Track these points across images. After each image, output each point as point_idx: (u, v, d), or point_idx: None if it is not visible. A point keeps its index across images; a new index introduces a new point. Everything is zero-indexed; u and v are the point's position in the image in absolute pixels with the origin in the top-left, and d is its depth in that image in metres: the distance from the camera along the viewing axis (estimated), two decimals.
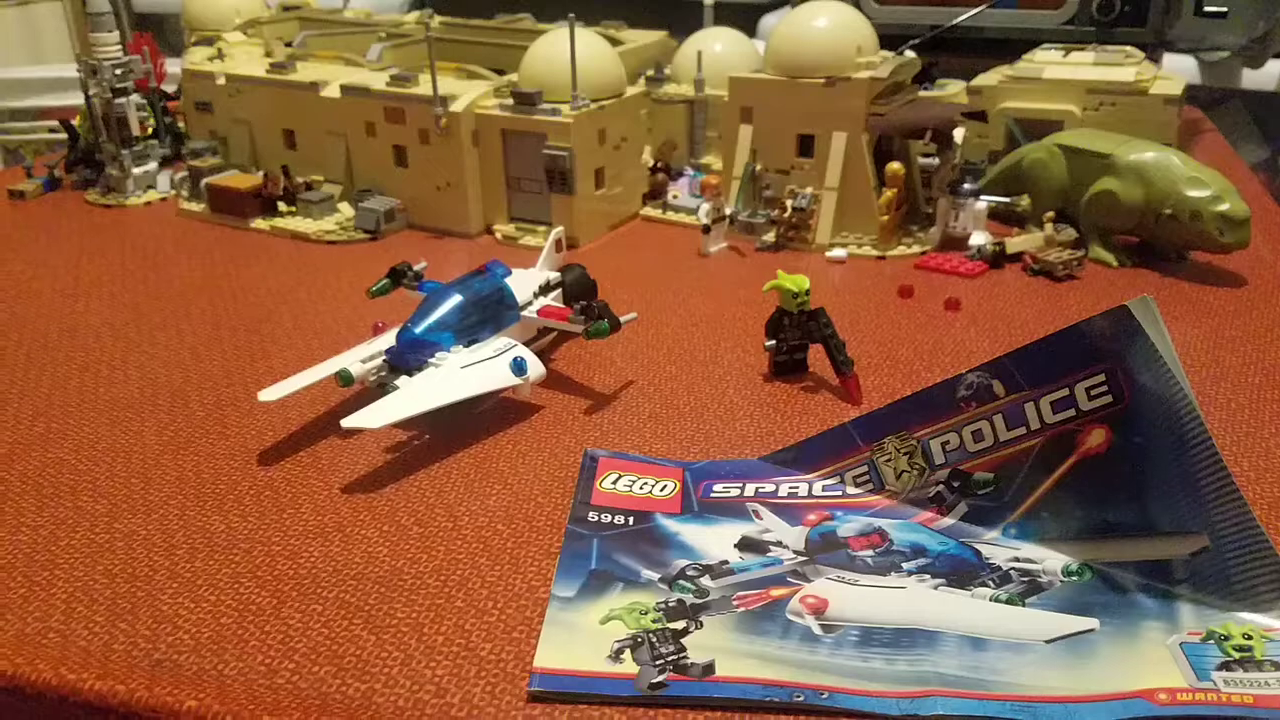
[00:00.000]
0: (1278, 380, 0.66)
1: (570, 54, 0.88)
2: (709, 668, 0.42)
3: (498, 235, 0.95)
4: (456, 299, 0.65)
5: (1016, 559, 0.49)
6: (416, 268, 0.72)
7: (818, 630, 0.44)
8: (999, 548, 0.50)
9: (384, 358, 0.63)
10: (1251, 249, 0.82)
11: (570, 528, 0.51)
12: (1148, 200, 0.82)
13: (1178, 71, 1.42)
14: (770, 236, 0.92)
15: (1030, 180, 0.92)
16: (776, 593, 0.47)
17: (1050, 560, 0.49)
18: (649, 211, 1.02)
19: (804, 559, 0.50)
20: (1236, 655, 0.42)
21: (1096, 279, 0.84)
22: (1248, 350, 0.71)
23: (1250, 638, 0.43)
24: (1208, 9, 1.13)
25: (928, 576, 0.48)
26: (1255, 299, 0.80)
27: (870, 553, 0.50)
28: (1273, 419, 0.62)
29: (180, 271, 0.89)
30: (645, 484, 0.55)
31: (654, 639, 0.43)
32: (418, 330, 0.63)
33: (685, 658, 0.42)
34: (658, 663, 0.42)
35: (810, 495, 0.55)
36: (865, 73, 0.88)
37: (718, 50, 1.06)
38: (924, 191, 0.96)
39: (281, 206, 0.99)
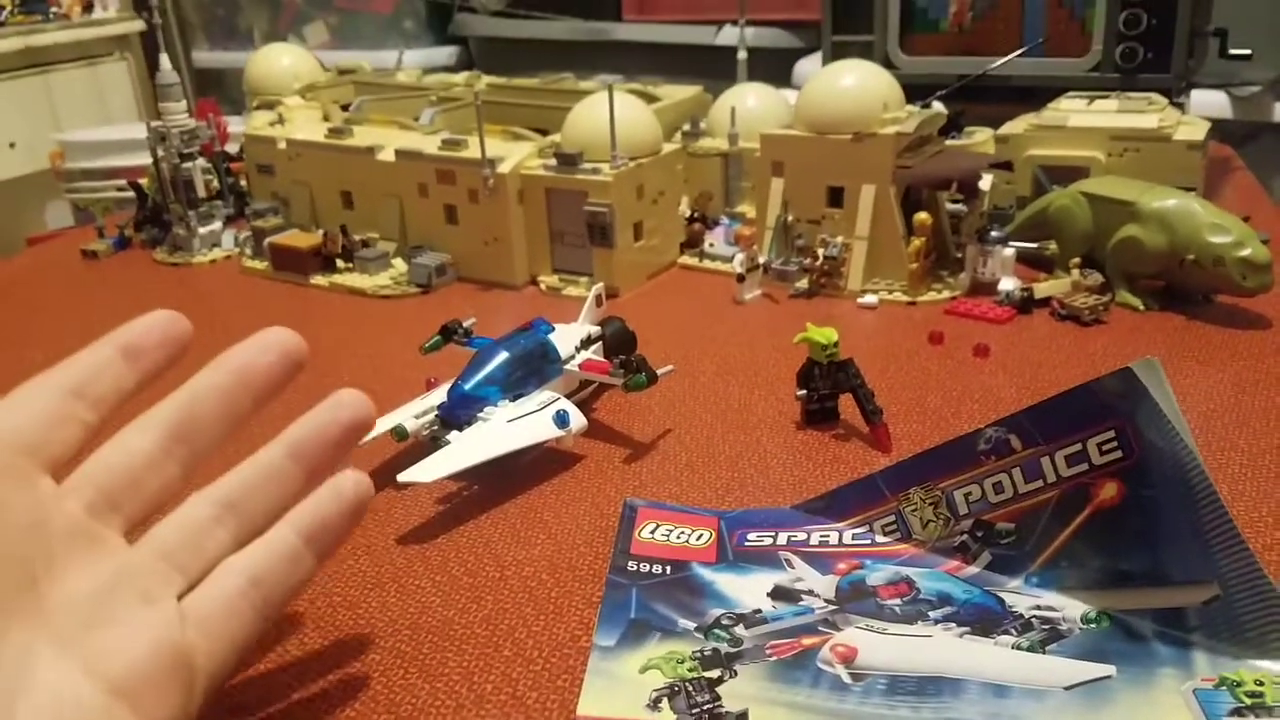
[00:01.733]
0: None
1: (609, 118, 0.92)
2: (742, 716, 0.44)
3: (542, 286, 0.99)
4: (503, 355, 0.69)
5: (1038, 607, 0.51)
6: (466, 324, 0.76)
7: (847, 679, 0.46)
8: (1022, 595, 0.52)
9: (436, 413, 0.67)
10: (1278, 289, 0.82)
11: (610, 577, 0.54)
12: (1171, 246, 0.84)
13: (1209, 106, 1.44)
14: (803, 283, 0.95)
15: (1056, 227, 0.94)
16: (808, 641, 0.49)
17: (1070, 608, 0.50)
18: (686, 260, 1.05)
19: (834, 607, 0.52)
20: (1249, 701, 0.43)
21: (1123, 322, 0.86)
22: (1271, 394, 0.72)
23: (1262, 684, 0.44)
24: (1232, 52, 1.15)
25: (954, 625, 0.50)
26: None
27: (898, 601, 0.52)
28: None
29: (244, 327, 0.91)
30: (682, 533, 0.58)
31: (690, 688, 0.46)
32: (467, 387, 0.67)
33: (720, 707, 0.44)
34: (694, 711, 0.44)
35: (841, 544, 0.57)
36: (891, 128, 0.91)
37: (750, 104, 1.10)
38: (953, 238, 0.98)
39: (339, 263, 1.04)
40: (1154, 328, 0.84)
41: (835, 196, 0.95)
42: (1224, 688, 0.44)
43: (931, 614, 0.51)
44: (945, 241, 0.98)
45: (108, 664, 0.37)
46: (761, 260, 0.96)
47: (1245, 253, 0.81)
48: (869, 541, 0.56)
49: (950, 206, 0.98)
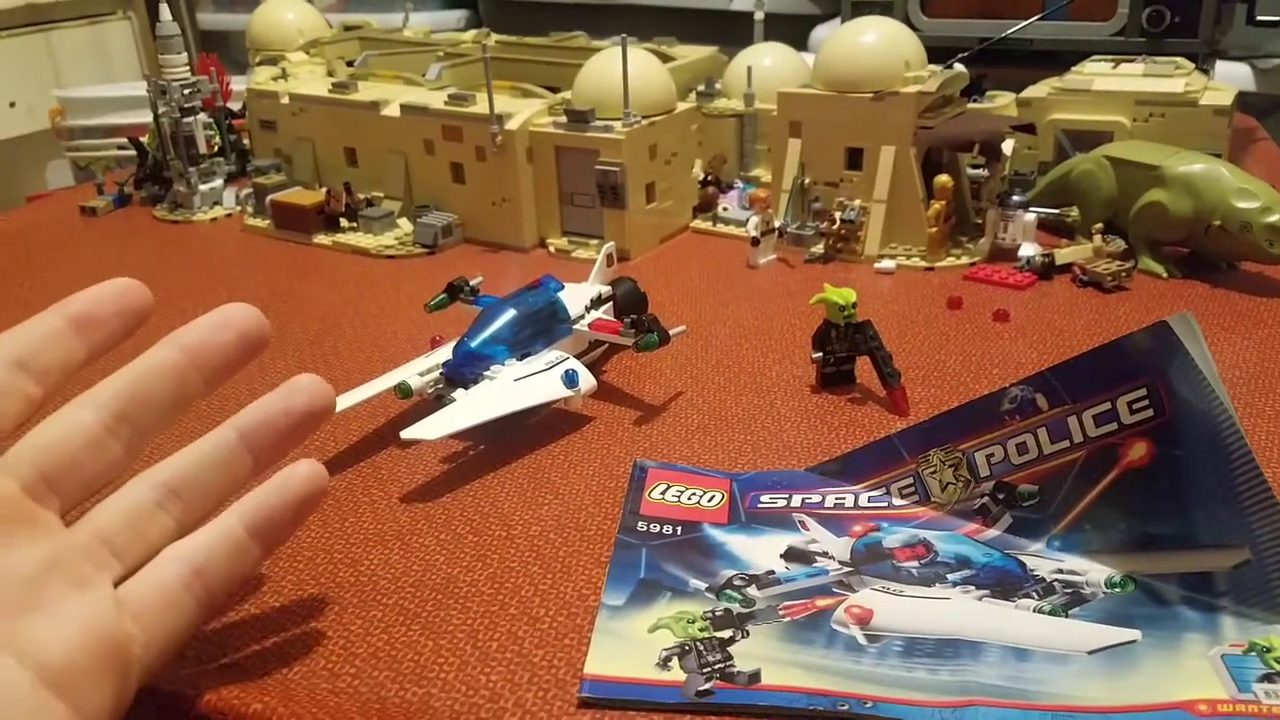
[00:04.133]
0: None
1: (622, 73, 0.90)
2: (755, 676, 0.43)
3: (551, 249, 0.97)
4: (511, 313, 0.67)
5: (1060, 570, 0.49)
6: (473, 282, 0.74)
7: (862, 640, 0.45)
8: (1043, 559, 0.50)
9: (441, 371, 0.65)
10: None
11: (620, 537, 0.53)
12: (1196, 212, 0.82)
13: (1232, 78, 1.42)
14: (819, 248, 0.93)
15: (1079, 192, 0.92)
16: (822, 603, 0.48)
17: (1094, 572, 0.49)
18: (699, 224, 1.03)
19: (849, 569, 0.50)
20: (1278, 667, 0.42)
21: (1145, 290, 0.84)
22: None
23: None
24: (1260, 18, 1.12)
25: (972, 588, 0.49)
26: None
27: (915, 564, 0.51)
28: None
29: (245, 286, 0.92)
30: (693, 494, 0.57)
31: (701, 647, 0.45)
32: (473, 344, 0.65)
33: (731, 666, 0.43)
34: (704, 670, 0.43)
35: (856, 506, 0.55)
36: (913, 87, 0.89)
37: (767, 65, 1.07)
38: (973, 203, 0.96)
39: (343, 222, 1.02)
40: (1177, 295, 0.83)
41: (854, 158, 0.93)
42: (1254, 653, 0.43)
43: (950, 576, 0.49)
44: (965, 206, 0.96)
45: (40, 653, 0.34)
46: (777, 224, 0.94)
47: (1273, 218, 0.79)
48: (885, 504, 0.55)
49: (971, 171, 0.97)
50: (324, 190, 1.04)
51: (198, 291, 0.90)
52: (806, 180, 0.95)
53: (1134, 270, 0.86)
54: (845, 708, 0.41)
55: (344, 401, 0.62)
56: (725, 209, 1.03)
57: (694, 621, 0.46)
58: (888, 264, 0.90)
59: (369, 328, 0.82)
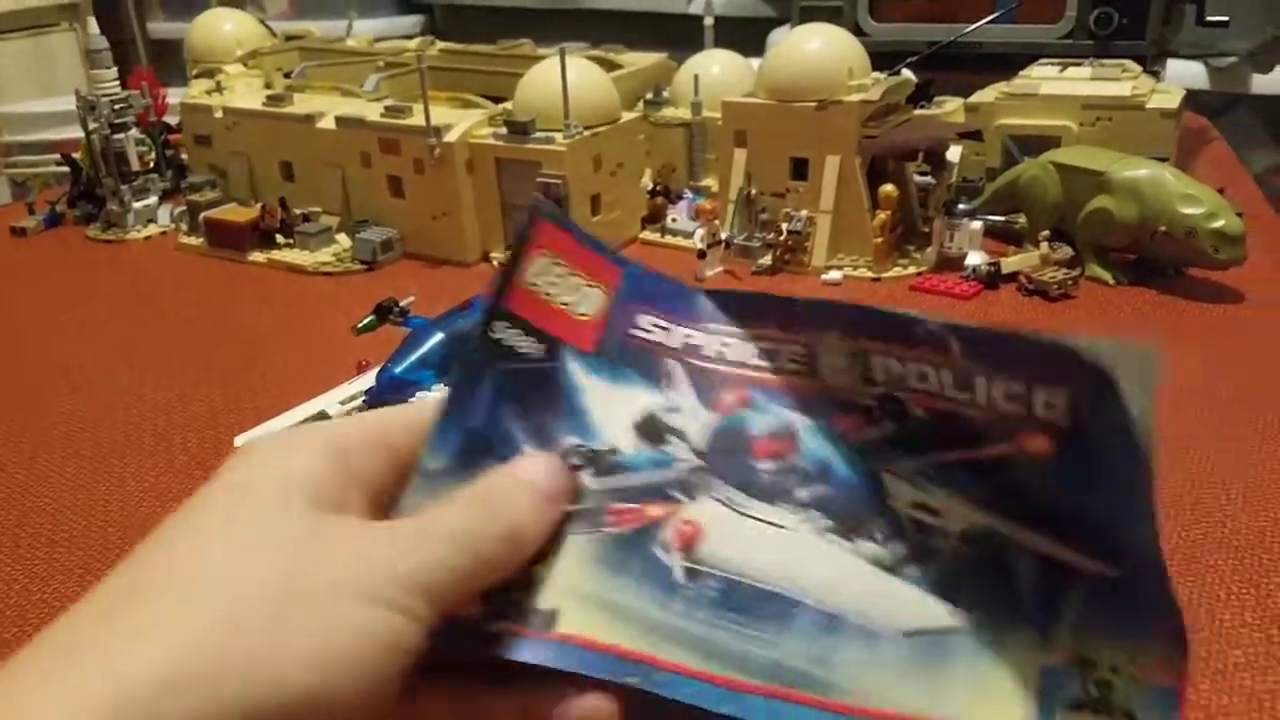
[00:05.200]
0: (1270, 405, 0.65)
1: (562, 84, 0.88)
2: (551, 617, 0.36)
3: (495, 263, 0.95)
4: (438, 337, 0.65)
5: (918, 505, 0.42)
6: (403, 303, 0.72)
7: (679, 575, 0.40)
8: (908, 486, 0.43)
9: (363, 399, 0.63)
10: (1250, 263, 0.80)
11: (472, 339, 0.41)
12: (1142, 218, 0.81)
13: (1185, 78, 1.41)
14: (766, 260, 0.91)
15: (1026, 199, 0.91)
16: (654, 511, 0.41)
17: (954, 518, 0.42)
18: (648, 235, 1.01)
19: (698, 464, 0.43)
20: (1094, 693, 0.37)
21: (1092, 297, 0.83)
22: (1243, 370, 0.70)
23: (1117, 671, 0.38)
24: (1209, 19, 1.12)
25: (817, 513, 0.43)
26: (1252, 316, 0.79)
27: (771, 465, 0.44)
28: (1260, 446, 0.61)
29: (175, 308, 0.89)
30: (573, 285, 0.44)
31: None
32: (398, 370, 0.63)
33: (533, 599, 0.36)
34: (498, 599, 0.35)
35: (739, 361, 0.46)
36: (857, 95, 0.88)
37: (715, 72, 1.06)
38: (920, 211, 0.95)
39: (279, 239, 1.00)
40: (1124, 302, 0.82)
41: (799, 168, 0.91)
42: (1075, 668, 0.38)
43: (799, 493, 0.43)
44: (912, 215, 0.94)
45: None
46: (723, 236, 0.92)
47: (1218, 224, 0.78)
48: (770, 364, 0.46)
49: (918, 179, 0.95)
50: (259, 206, 1.01)
51: (126, 315, 0.87)
52: (753, 191, 0.93)
53: (1080, 278, 0.84)
54: (634, 680, 0.36)
55: (260, 433, 0.60)
56: (674, 220, 1.01)
57: None
58: (834, 275, 0.89)
59: (300, 352, 0.79)
